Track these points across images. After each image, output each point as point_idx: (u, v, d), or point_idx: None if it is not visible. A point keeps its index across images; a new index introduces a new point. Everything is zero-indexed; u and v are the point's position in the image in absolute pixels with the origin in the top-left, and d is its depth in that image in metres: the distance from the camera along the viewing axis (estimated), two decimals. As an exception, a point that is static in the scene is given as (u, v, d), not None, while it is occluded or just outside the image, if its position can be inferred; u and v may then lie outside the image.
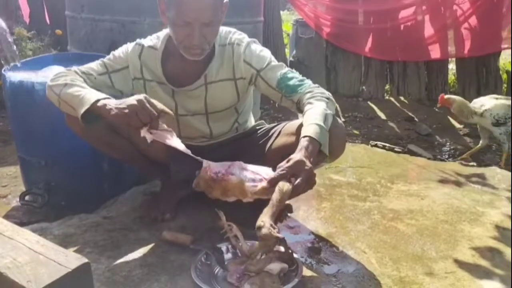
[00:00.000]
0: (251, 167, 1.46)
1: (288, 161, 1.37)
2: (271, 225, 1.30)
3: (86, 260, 1.26)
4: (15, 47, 2.14)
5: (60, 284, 1.18)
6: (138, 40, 1.72)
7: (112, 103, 1.44)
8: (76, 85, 1.52)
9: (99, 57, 2.31)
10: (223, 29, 1.68)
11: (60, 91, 1.52)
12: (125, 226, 1.75)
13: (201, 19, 1.48)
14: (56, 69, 2.06)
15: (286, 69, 1.66)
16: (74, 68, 1.63)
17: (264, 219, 1.31)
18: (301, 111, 1.59)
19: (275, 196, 1.34)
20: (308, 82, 1.63)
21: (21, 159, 2.15)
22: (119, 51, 1.70)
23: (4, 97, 2.07)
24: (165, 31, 1.68)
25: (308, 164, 1.36)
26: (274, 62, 1.67)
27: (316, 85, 1.63)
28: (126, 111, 1.39)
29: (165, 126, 1.47)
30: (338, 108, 1.66)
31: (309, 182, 1.38)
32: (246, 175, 1.44)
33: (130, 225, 1.75)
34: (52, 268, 1.20)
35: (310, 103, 1.53)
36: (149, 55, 1.68)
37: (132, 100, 1.41)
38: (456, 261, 1.59)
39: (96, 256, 1.54)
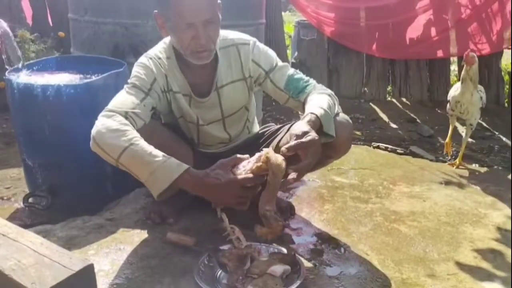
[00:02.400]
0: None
1: (302, 137, 1.37)
2: (274, 212, 1.34)
3: (90, 262, 1.27)
4: (18, 49, 2.15)
5: (64, 286, 1.18)
6: (147, 54, 1.66)
7: (195, 178, 1.40)
8: (139, 150, 1.40)
9: (101, 60, 2.35)
10: (220, 33, 1.68)
11: (120, 156, 1.40)
12: (128, 228, 1.76)
13: (203, 17, 1.49)
14: (61, 76, 2.07)
15: (292, 70, 1.71)
16: (115, 108, 1.50)
17: (268, 207, 1.33)
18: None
19: (270, 174, 1.35)
20: (313, 81, 1.69)
21: (24, 161, 2.15)
22: (139, 70, 1.61)
23: (8, 100, 2.08)
24: (167, 39, 1.67)
25: (316, 137, 1.38)
26: (280, 62, 1.72)
27: (320, 84, 1.69)
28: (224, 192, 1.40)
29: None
30: (340, 110, 1.67)
31: (315, 158, 1.40)
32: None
33: (133, 227, 1.76)
34: (56, 270, 1.21)
35: (313, 95, 1.60)
36: (169, 65, 1.65)
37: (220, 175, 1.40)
38: (458, 263, 1.60)
39: (100, 258, 1.55)
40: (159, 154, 1.41)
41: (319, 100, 1.55)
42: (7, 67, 2.08)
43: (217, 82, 1.68)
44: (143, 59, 1.65)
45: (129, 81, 1.61)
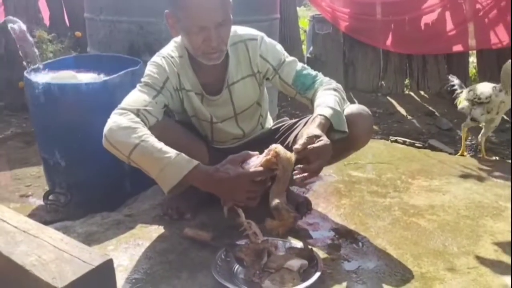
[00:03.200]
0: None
1: (313, 141, 1.39)
2: (286, 204, 1.35)
3: (109, 257, 1.28)
4: (36, 50, 2.19)
5: (84, 280, 1.20)
6: (160, 54, 1.65)
7: (205, 174, 1.41)
8: (149, 147, 1.41)
9: (117, 58, 2.37)
10: None
11: (131, 152, 1.42)
12: (146, 223, 1.77)
13: (215, 20, 1.48)
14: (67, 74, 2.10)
15: (300, 65, 1.71)
16: (127, 106, 1.51)
17: (279, 200, 1.33)
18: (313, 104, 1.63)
19: (280, 168, 1.37)
20: (321, 77, 1.69)
21: (44, 159, 2.19)
22: (151, 68, 1.62)
23: (27, 98, 2.12)
24: (178, 39, 1.67)
25: (328, 142, 1.41)
26: (288, 57, 1.72)
27: (327, 78, 1.69)
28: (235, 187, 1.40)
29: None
30: (347, 103, 1.68)
31: (326, 160, 1.43)
32: None
33: (151, 223, 1.77)
34: (76, 265, 1.23)
35: (320, 92, 1.61)
36: (181, 63, 1.65)
37: (229, 169, 1.41)
38: (478, 256, 1.57)
39: (118, 253, 1.56)
40: (169, 150, 1.41)
41: (326, 98, 1.56)
42: (26, 66, 2.12)
43: (228, 80, 1.68)
44: (155, 58, 1.65)
45: (142, 79, 1.62)
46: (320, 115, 1.49)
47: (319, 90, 1.64)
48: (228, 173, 1.41)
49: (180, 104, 1.70)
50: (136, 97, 1.56)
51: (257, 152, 1.45)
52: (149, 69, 1.63)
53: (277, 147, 1.39)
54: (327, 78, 1.70)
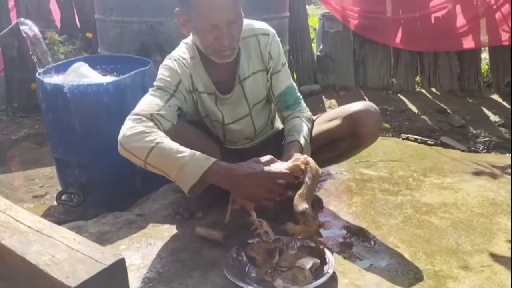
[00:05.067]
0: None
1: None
2: (313, 211, 1.36)
3: (121, 256, 1.29)
4: (48, 52, 2.21)
5: (97, 279, 1.21)
6: (171, 56, 1.65)
7: (225, 169, 1.40)
8: (165, 148, 1.40)
9: (128, 58, 2.38)
10: None
11: (147, 156, 1.41)
12: (157, 223, 1.78)
13: (227, 18, 1.47)
14: (83, 68, 2.11)
15: (291, 82, 1.77)
16: (141, 112, 1.50)
17: (307, 206, 1.34)
18: (285, 123, 1.74)
19: (308, 175, 1.39)
20: (302, 102, 1.78)
21: (56, 159, 2.21)
22: (164, 72, 1.61)
23: (39, 100, 2.14)
24: (187, 40, 1.68)
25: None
26: (285, 64, 1.76)
27: (306, 108, 1.78)
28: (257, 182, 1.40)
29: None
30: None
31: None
32: None
33: (163, 222, 1.78)
34: (89, 265, 1.24)
35: (298, 117, 1.71)
36: (193, 65, 1.64)
37: (253, 167, 1.41)
38: (493, 254, 1.55)
39: (130, 253, 1.57)
40: (185, 150, 1.41)
41: (303, 126, 1.67)
42: (38, 68, 2.14)
43: (240, 75, 1.68)
44: (167, 61, 1.64)
45: (154, 83, 1.62)
46: (297, 141, 1.60)
47: (297, 114, 1.71)
48: (254, 168, 1.40)
49: (194, 106, 1.70)
50: (149, 101, 1.55)
51: (280, 161, 1.46)
52: (161, 72, 1.62)
53: (306, 156, 1.45)
54: (304, 105, 1.78)
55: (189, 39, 1.65)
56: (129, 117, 1.51)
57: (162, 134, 1.45)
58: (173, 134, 1.50)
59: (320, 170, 1.43)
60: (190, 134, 1.66)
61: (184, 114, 1.79)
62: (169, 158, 1.40)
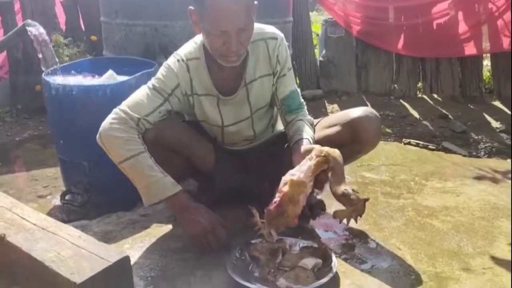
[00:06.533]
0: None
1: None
2: (352, 189, 1.39)
3: (125, 254, 1.31)
4: (54, 53, 2.23)
5: (102, 276, 1.22)
6: (176, 55, 1.65)
7: (184, 203, 1.55)
8: (141, 163, 1.52)
9: (133, 61, 2.40)
10: None
11: (122, 162, 1.53)
12: (161, 223, 1.79)
13: (237, 25, 1.46)
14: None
15: (295, 86, 1.77)
16: (130, 112, 1.56)
17: (345, 187, 1.37)
18: (288, 127, 1.75)
19: (332, 162, 1.43)
20: (304, 108, 1.78)
21: (61, 160, 2.23)
22: (163, 72, 1.63)
23: (45, 100, 2.16)
24: (197, 39, 1.67)
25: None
26: (291, 68, 1.76)
27: (307, 112, 1.79)
28: (196, 228, 1.53)
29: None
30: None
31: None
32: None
33: (166, 222, 1.80)
34: (94, 262, 1.25)
35: (301, 120, 1.72)
36: (196, 67, 1.64)
37: (206, 219, 1.53)
38: (494, 257, 1.57)
39: (134, 252, 1.59)
40: (159, 170, 1.52)
41: (308, 129, 1.67)
42: (43, 69, 2.16)
43: (246, 78, 1.68)
44: (171, 59, 1.65)
45: (153, 80, 1.64)
46: (306, 139, 1.61)
47: (301, 119, 1.72)
48: (202, 218, 1.54)
49: (189, 108, 1.71)
50: (141, 101, 1.59)
51: (256, 216, 1.48)
52: (162, 71, 1.64)
53: (320, 147, 1.45)
54: (307, 111, 1.78)
55: (199, 37, 1.65)
56: (117, 111, 1.57)
57: (142, 147, 1.54)
58: (167, 132, 1.59)
59: (338, 152, 1.45)
60: (183, 133, 1.69)
61: (181, 114, 1.81)
62: (142, 173, 1.52)
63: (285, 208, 1.39)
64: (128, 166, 1.52)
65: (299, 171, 1.41)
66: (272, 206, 1.40)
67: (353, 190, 1.41)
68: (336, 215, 1.44)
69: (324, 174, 1.45)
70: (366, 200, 1.42)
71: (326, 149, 1.44)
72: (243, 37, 1.51)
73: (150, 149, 1.56)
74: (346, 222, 1.51)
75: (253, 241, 1.53)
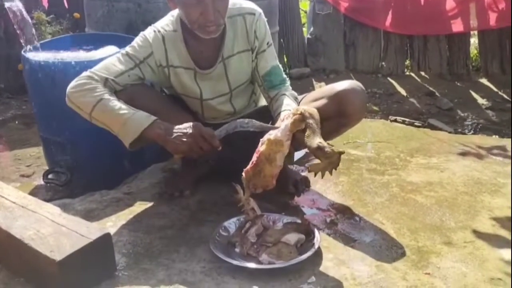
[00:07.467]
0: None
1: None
2: (328, 143, 1.35)
3: (106, 231, 1.30)
4: (33, 29, 2.18)
5: (82, 253, 1.22)
6: (153, 26, 1.66)
7: (163, 129, 1.47)
8: (110, 104, 1.48)
9: (115, 37, 2.35)
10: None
11: (92, 110, 1.50)
12: (145, 201, 1.78)
13: None
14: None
15: (276, 62, 1.75)
16: (98, 72, 1.55)
17: (320, 140, 1.33)
18: (272, 103, 1.72)
19: (308, 120, 1.38)
20: (287, 83, 1.75)
21: (43, 139, 2.20)
22: (138, 40, 1.63)
23: (25, 78, 2.11)
24: (174, 12, 1.66)
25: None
26: (270, 44, 1.73)
27: (290, 87, 1.76)
28: (186, 141, 1.45)
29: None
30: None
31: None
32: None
33: (150, 200, 1.78)
34: (74, 239, 1.25)
35: (285, 94, 1.69)
36: (172, 39, 1.63)
37: (188, 128, 1.46)
38: (475, 231, 1.58)
39: (118, 229, 1.58)
40: (128, 107, 1.49)
41: (291, 103, 1.64)
42: (23, 43, 2.11)
43: (224, 53, 1.66)
44: (148, 30, 1.66)
45: (126, 47, 1.64)
46: (288, 110, 1.55)
47: (284, 93, 1.69)
48: (182, 131, 1.47)
49: (166, 80, 1.70)
50: (111, 64, 1.59)
51: (241, 192, 1.46)
52: (136, 40, 1.65)
53: (297, 107, 1.43)
54: (290, 86, 1.76)
55: (176, 11, 1.63)
56: (85, 73, 1.56)
57: (107, 91, 1.52)
58: (140, 95, 1.57)
59: (316, 110, 1.41)
60: (158, 101, 1.66)
61: (160, 88, 1.79)
62: (113, 113, 1.48)
63: (262, 167, 1.36)
64: (98, 113, 1.50)
65: (276, 131, 1.39)
66: (249, 166, 1.39)
67: (328, 143, 1.37)
68: (311, 168, 1.39)
69: (302, 133, 1.41)
70: (341, 153, 1.36)
71: (303, 107, 1.42)
72: (220, 5, 1.50)
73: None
74: (321, 176, 1.43)
75: (236, 218, 1.53)
